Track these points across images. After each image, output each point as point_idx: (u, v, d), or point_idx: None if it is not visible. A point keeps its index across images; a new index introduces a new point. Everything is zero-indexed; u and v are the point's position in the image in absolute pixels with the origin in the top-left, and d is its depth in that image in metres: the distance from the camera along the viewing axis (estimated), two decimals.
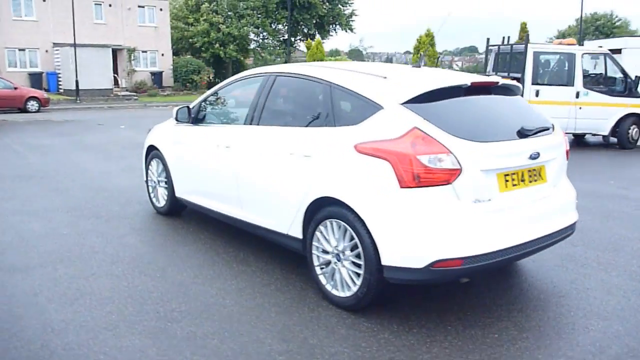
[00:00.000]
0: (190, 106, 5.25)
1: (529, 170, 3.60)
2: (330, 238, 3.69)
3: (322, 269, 3.82)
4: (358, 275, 3.52)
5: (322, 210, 3.73)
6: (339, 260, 3.66)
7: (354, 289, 3.54)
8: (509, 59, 12.22)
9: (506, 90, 3.95)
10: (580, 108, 11.48)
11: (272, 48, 40.40)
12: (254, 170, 4.34)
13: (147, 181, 6.09)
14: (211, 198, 4.96)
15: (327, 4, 42.23)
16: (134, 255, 4.67)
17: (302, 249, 3.99)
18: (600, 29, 50.32)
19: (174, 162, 5.43)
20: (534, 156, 3.54)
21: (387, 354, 3.11)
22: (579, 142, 12.88)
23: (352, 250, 3.55)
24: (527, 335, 3.33)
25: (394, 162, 3.26)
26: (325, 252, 3.76)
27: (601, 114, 11.55)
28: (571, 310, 3.71)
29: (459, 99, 3.62)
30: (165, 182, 5.71)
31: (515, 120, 3.73)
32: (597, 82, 11.63)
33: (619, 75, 11.58)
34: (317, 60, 21.26)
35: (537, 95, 11.32)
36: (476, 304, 3.79)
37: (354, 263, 3.55)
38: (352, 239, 3.53)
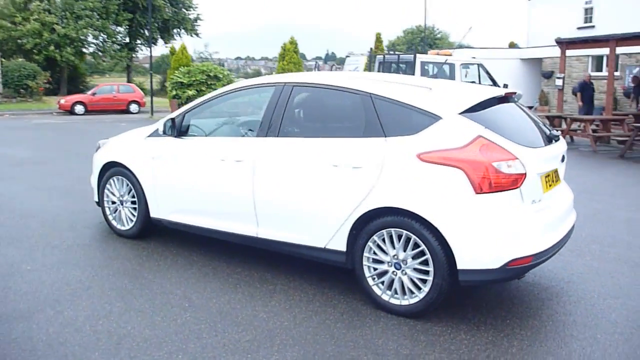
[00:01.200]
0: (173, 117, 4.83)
1: (554, 172, 4.01)
2: (388, 248, 3.71)
3: (374, 279, 3.82)
4: (424, 281, 3.60)
5: (375, 220, 3.73)
6: (398, 269, 3.70)
7: (421, 295, 3.62)
8: (396, 67, 13.12)
9: (513, 99, 4.34)
10: None
11: (113, 52, 37.75)
12: (279, 185, 4.16)
13: (101, 202, 5.43)
14: (209, 216, 4.62)
15: (172, 7, 40.73)
16: (137, 287, 4.16)
17: (344, 261, 3.94)
18: (424, 40, 55.82)
19: (151, 180, 4.93)
20: (563, 158, 3.96)
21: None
22: None
23: (414, 258, 3.62)
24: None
25: (468, 170, 3.41)
26: (379, 262, 3.77)
27: None
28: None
29: (495, 108, 3.90)
30: (133, 203, 5.16)
31: (537, 126, 4.12)
32: None
33: (489, 82, 13.10)
34: (184, 65, 20.40)
35: None
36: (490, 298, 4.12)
37: (417, 270, 3.62)
38: (415, 247, 3.60)
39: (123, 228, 5.31)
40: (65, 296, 3.97)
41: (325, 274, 4.41)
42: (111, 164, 5.28)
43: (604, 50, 17.85)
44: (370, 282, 3.83)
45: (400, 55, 13.03)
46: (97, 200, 5.56)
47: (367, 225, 3.78)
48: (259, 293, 4.08)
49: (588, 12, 23.73)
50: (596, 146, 12.91)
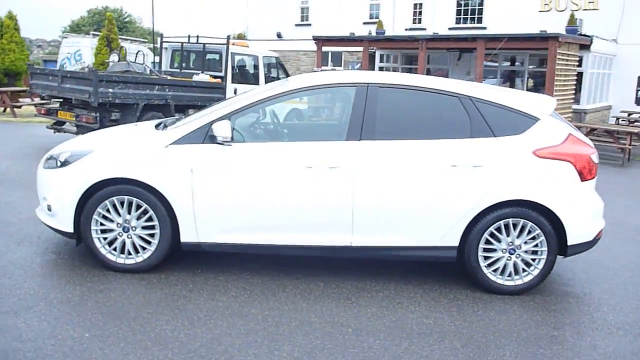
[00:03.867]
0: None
1: None
2: (503, 237, 4.13)
3: (488, 267, 4.18)
4: (535, 260, 4.16)
5: (492, 214, 4.09)
6: (512, 254, 4.16)
7: (535, 272, 4.17)
8: (197, 57, 12.59)
9: None
10: None
11: None
12: (384, 189, 4.05)
13: (85, 232, 4.12)
14: (281, 231, 4.12)
15: None
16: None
17: (455, 255, 4.18)
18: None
19: (188, 197, 4.03)
20: None
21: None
22: None
23: (527, 243, 4.14)
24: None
25: (575, 162, 4.10)
26: (493, 250, 4.15)
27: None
28: None
29: None
30: (148, 228, 4.12)
31: None
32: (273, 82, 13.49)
33: (283, 75, 13.78)
34: None
35: (235, 93, 12.24)
36: None
37: (531, 252, 4.15)
38: (530, 232, 4.12)
39: (129, 261, 4.17)
40: None
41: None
42: (109, 181, 4.06)
43: (330, 48, 20.57)
44: (485, 270, 4.17)
45: (207, 45, 12.49)
46: (71, 230, 4.17)
47: (484, 218, 4.10)
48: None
49: (304, 10, 26.63)
50: None
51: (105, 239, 4.17)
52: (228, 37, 11.97)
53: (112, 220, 4.14)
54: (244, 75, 12.77)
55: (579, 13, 18.60)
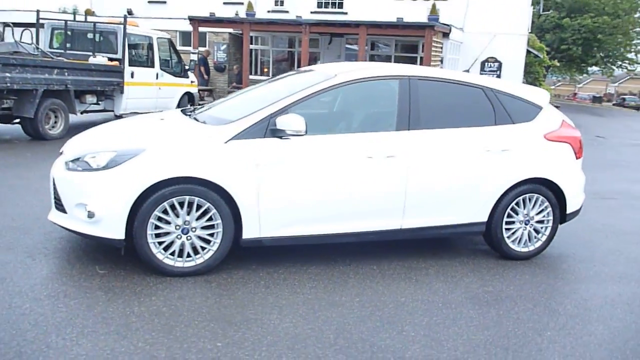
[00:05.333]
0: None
1: None
2: (521, 210, 4.76)
3: (509, 238, 4.78)
4: (544, 229, 4.87)
5: (515, 190, 4.68)
6: (526, 225, 4.82)
7: (543, 239, 4.88)
8: (85, 37, 11.44)
9: None
10: (160, 88, 12.42)
11: None
12: (432, 175, 4.40)
13: (140, 237, 3.81)
14: (339, 220, 4.26)
15: None
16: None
17: (484, 229, 4.71)
18: None
19: (254, 193, 3.95)
20: None
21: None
22: None
23: (538, 213, 4.83)
24: None
25: (572, 143, 4.87)
26: (511, 222, 4.77)
27: (172, 93, 12.91)
28: None
29: None
30: (208, 228, 3.96)
31: None
32: (167, 65, 12.77)
33: (176, 59, 13.14)
34: None
35: (132, 76, 11.43)
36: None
37: (540, 221, 4.85)
38: (540, 204, 4.81)
39: (188, 264, 3.97)
40: None
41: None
42: (167, 181, 3.79)
43: (206, 29, 19.99)
44: (507, 241, 4.77)
45: (97, 24, 11.26)
46: (122, 237, 3.82)
47: (507, 195, 4.68)
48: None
49: None
50: None
51: (160, 243, 3.91)
52: (125, 17, 11.09)
53: (169, 223, 3.88)
54: (140, 58, 11.96)
55: (431, 2, 20.55)
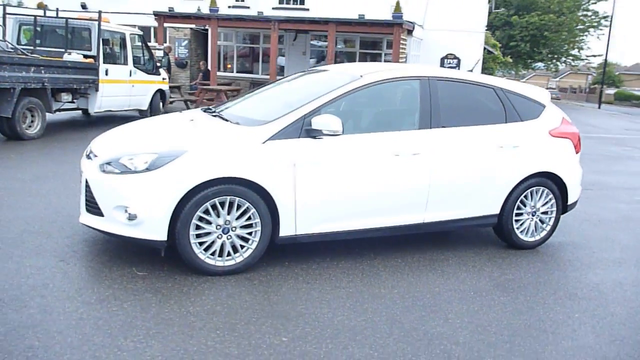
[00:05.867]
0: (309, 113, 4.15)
1: None
2: (528, 202, 5.07)
3: (518, 228, 5.08)
4: (547, 219, 5.20)
5: (523, 184, 4.98)
6: (533, 216, 5.14)
7: (548, 229, 5.21)
8: (56, 33, 11.08)
9: None
10: (133, 86, 12.17)
11: None
12: (452, 171, 4.63)
13: (182, 237, 3.85)
14: (367, 215, 4.43)
15: None
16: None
17: (496, 221, 4.99)
18: None
19: (291, 192, 4.06)
20: None
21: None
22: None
23: (544, 204, 5.15)
24: None
25: (572, 139, 5.22)
26: (521, 214, 5.07)
27: (144, 90, 12.68)
28: None
29: None
30: (246, 227, 4.05)
31: None
32: (139, 62, 12.51)
33: (148, 56, 12.90)
34: None
35: (107, 74, 11.17)
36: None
37: (545, 213, 5.18)
38: (545, 196, 5.14)
39: (228, 263, 4.04)
40: None
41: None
42: (209, 182, 3.85)
43: (171, 25, 19.63)
44: (517, 232, 5.07)
45: (70, 20, 10.84)
46: (164, 239, 3.85)
47: (517, 189, 4.97)
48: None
49: None
50: None
51: (201, 243, 3.96)
52: (100, 12, 10.80)
53: (209, 223, 3.94)
54: (113, 55, 11.68)
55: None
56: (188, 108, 15.85)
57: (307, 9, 22.03)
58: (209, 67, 20.22)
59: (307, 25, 16.16)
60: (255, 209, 4.02)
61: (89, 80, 10.57)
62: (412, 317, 3.60)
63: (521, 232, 5.10)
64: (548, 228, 5.22)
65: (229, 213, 3.98)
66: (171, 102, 15.12)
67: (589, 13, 39.24)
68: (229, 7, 22.51)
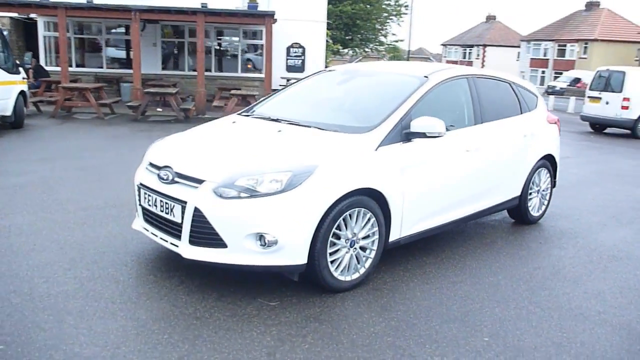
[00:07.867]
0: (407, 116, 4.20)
1: None
2: (536, 182, 5.77)
3: (530, 206, 5.76)
4: (546, 195, 5.97)
5: (534, 167, 5.66)
6: (538, 193, 5.86)
7: (546, 204, 6.00)
8: None
9: None
10: None
11: None
12: (492, 161, 5.05)
13: (321, 255, 3.64)
14: (447, 211, 4.64)
15: None
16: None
17: (518, 202, 5.58)
18: None
19: (400, 197, 4.08)
20: None
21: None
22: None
23: (544, 183, 5.91)
24: None
25: (557, 123, 6.06)
26: (531, 193, 5.75)
27: (7, 93, 10.75)
28: None
29: None
30: (369, 236, 3.97)
31: None
32: (1, 60, 10.50)
33: (6, 52, 10.92)
34: None
35: None
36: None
37: (544, 190, 5.94)
38: (545, 175, 5.89)
39: (354, 277, 3.92)
40: None
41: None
42: (344, 195, 3.67)
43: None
44: (530, 209, 5.74)
45: None
46: (304, 262, 3.58)
47: (532, 172, 5.63)
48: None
49: None
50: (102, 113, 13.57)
51: (332, 261, 3.77)
52: None
53: (339, 238, 3.77)
54: None
55: None
56: (39, 110, 13.84)
57: None
58: (41, 62, 17.77)
59: (172, 15, 15.09)
60: (375, 218, 3.95)
61: None
62: (516, 295, 3.92)
63: (532, 209, 5.79)
64: (546, 202, 6.01)
65: (355, 224, 3.85)
66: None
67: (392, 2, 43.37)
68: None
